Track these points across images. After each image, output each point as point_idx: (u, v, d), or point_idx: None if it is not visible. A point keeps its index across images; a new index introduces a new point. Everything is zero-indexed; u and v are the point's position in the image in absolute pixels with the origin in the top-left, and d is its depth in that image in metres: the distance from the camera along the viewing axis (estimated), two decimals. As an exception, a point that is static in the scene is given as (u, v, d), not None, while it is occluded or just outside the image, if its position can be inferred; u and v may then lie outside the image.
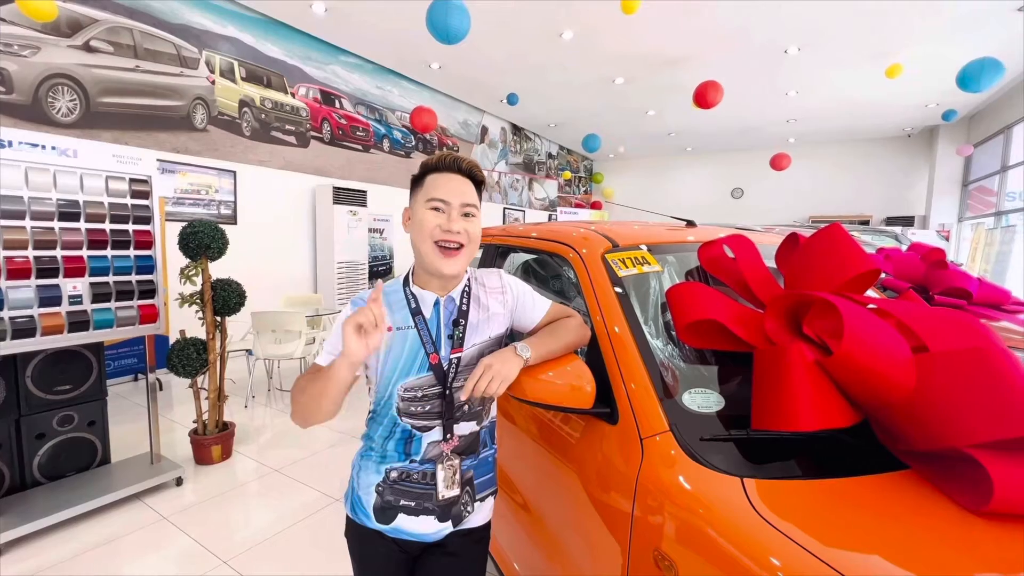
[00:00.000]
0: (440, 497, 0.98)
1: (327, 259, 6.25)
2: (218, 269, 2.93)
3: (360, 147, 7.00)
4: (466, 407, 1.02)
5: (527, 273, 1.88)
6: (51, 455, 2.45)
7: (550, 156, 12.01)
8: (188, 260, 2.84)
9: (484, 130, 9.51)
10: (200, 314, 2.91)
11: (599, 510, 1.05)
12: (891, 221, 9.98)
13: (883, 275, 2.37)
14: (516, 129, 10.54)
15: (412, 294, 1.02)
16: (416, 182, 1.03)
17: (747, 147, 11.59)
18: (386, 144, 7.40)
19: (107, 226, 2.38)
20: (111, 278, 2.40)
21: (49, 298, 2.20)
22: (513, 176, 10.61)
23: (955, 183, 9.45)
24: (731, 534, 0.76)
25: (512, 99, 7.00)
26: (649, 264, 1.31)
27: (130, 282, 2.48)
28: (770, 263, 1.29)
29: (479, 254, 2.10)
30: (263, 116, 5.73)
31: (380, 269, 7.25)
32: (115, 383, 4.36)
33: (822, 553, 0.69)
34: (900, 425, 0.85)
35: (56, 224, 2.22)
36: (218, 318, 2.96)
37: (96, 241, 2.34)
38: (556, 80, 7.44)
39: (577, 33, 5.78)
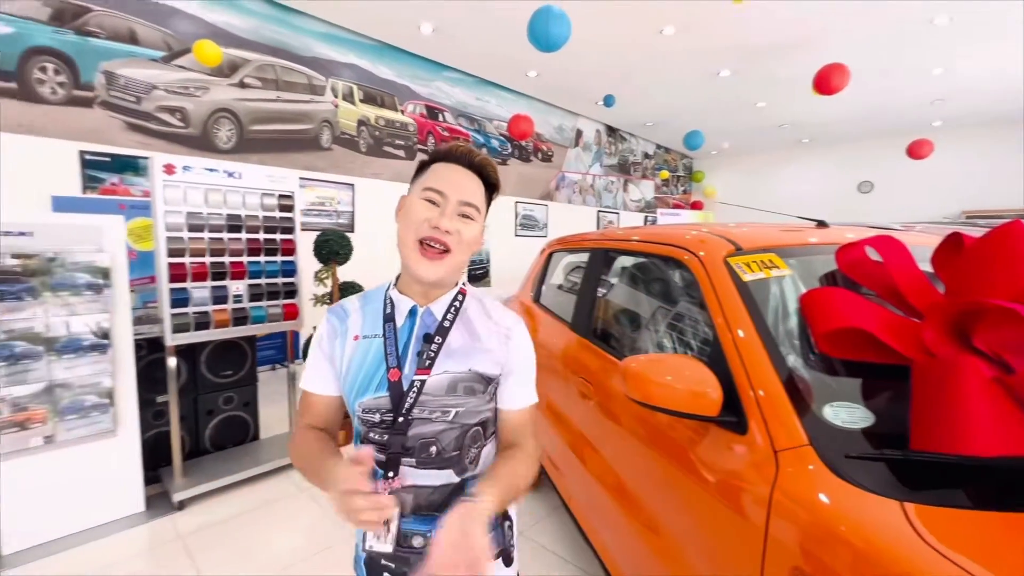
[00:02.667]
0: (367, 548, 0.80)
1: (430, 263, 6.66)
2: (339, 272, 3.28)
3: (460, 157, 7.37)
4: (432, 449, 0.82)
5: (634, 279, 1.86)
6: (217, 429, 2.92)
7: (646, 156, 11.63)
8: (320, 265, 3.21)
9: (579, 133, 9.49)
10: (329, 313, 3.27)
11: (726, 523, 1.02)
12: (1078, 214, 8.17)
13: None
14: (611, 130, 10.37)
15: (390, 298, 0.88)
16: (420, 170, 0.88)
17: (878, 134, 10.23)
18: (484, 153, 7.70)
19: (261, 236, 2.79)
20: (263, 280, 2.80)
21: (219, 297, 2.63)
22: (607, 178, 10.44)
23: None
24: (894, 562, 0.70)
25: (609, 101, 6.91)
26: (778, 268, 1.23)
27: (277, 284, 2.87)
28: (924, 267, 1.15)
29: (562, 260, 2.12)
30: (376, 133, 6.28)
31: (477, 272, 7.56)
32: (258, 371, 5.05)
33: (1011, 594, 0.61)
34: (1115, 458, 0.72)
35: (225, 235, 2.64)
36: (343, 316, 3.31)
37: (253, 248, 2.75)
38: (655, 78, 7.21)
39: (680, 28, 5.55)
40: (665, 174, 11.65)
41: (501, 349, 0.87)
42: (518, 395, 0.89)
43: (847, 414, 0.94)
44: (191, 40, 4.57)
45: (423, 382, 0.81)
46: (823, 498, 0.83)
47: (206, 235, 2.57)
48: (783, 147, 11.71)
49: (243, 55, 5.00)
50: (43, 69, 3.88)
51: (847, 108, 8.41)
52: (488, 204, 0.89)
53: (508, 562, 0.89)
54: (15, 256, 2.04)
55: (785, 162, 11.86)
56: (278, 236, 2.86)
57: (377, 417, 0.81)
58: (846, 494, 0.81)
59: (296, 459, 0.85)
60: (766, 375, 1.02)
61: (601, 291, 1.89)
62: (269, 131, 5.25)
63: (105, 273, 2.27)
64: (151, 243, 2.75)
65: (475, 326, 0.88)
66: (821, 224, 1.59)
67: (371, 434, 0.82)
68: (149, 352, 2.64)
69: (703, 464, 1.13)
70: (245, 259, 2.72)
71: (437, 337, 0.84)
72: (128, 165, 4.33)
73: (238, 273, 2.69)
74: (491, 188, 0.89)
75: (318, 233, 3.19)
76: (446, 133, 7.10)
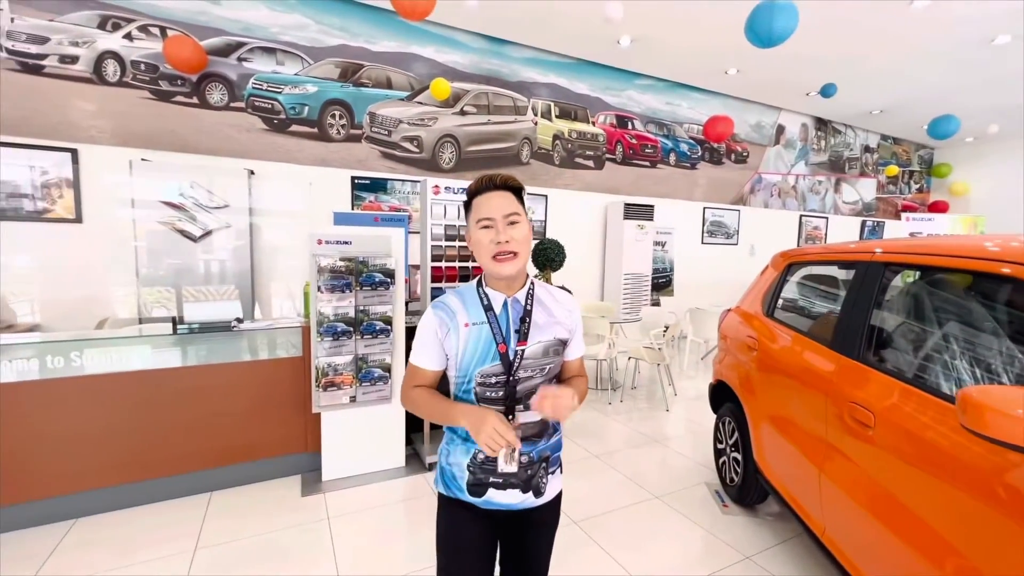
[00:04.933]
0: (500, 471, 1.11)
1: (615, 270, 6.72)
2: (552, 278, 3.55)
3: (648, 163, 7.28)
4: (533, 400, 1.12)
5: (930, 297, 1.62)
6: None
7: (867, 150, 9.83)
8: (537, 270, 3.54)
9: (780, 129, 8.53)
10: (542, 314, 3.58)
11: None
12: None
13: None
14: (821, 123, 9.06)
15: (485, 293, 1.15)
16: (467, 207, 1.15)
17: None
18: (672, 158, 7.47)
19: (496, 244, 3.20)
20: (495, 283, 3.21)
21: (463, 296, 3.10)
22: (814, 178, 9.14)
23: None
24: None
25: (828, 90, 6.06)
26: None
27: (505, 286, 3.26)
28: None
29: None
30: (569, 146, 6.61)
31: (660, 281, 7.36)
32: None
33: None
34: None
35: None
36: (553, 319, 3.59)
37: (489, 255, 3.18)
38: (894, 58, 6.08)
39: (937, -6, 4.59)
40: (893, 170, 9.70)
41: (568, 320, 1.20)
42: (579, 347, 1.25)
43: None
44: (427, 79, 5.48)
45: (523, 351, 1.13)
46: None
47: (457, 244, 3.06)
48: (1090, 126, 8.69)
49: (464, 87, 5.78)
50: (333, 116, 5.08)
51: None
52: (522, 201, 1.14)
53: (538, 494, 1.17)
54: (342, 259, 2.74)
55: (1092, 146, 8.78)
56: (508, 244, 3.25)
57: (493, 380, 1.12)
58: None
59: (416, 405, 1.16)
60: None
61: (882, 309, 1.70)
62: (481, 151, 5.96)
63: (391, 274, 2.88)
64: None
65: (548, 306, 1.19)
66: None
67: (488, 393, 1.13)
68: (408, 338, 3.24)
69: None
70: (483, 264, 3.16)
71: (526, 318, 1.14)
72: (380, 186, 5.38)
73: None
74: (518, 191, 1.14)
75: (536, 241, 3.52)
76: (634, 140, 7.10)
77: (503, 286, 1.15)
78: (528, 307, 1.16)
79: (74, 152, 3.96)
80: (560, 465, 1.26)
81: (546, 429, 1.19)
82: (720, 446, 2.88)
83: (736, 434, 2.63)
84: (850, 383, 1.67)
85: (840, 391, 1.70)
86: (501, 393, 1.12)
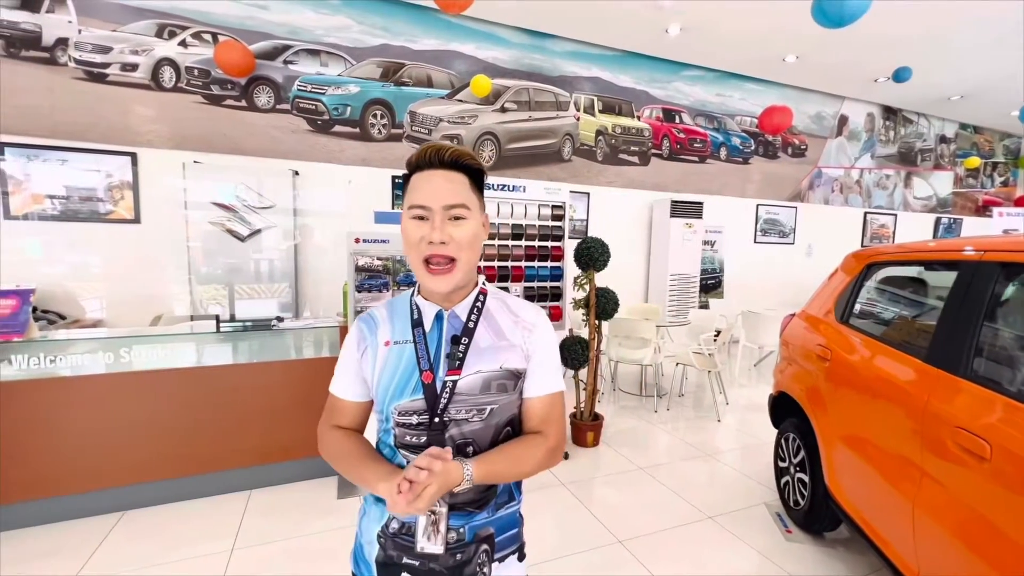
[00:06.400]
0: (419, 549, 0.80)
1: (660, 271, 6.43)
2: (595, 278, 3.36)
3: (696, 159, 6.93)
4: (470, 449, 0.84)
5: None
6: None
7: (943, 140, 8.99)
8: (580, 271, 3.37)
9: (843, 120, 7.92)
10: (585, 317, 3.41)
11: None
12: None
13: None
14: (889, 112, 8.35)
15: (416, 305, 0.89)
16: (404, 185, 0.86)
17: None
18: (723, 152, 7.08)
19: (537, 243, 3.07)
20: (536, 284, 3.08)
21: (502, 297, 2.99)
22: (881, 172, 8.44)
23: None
24: None
25: (902, 75, 5.54)
26: None
27: (545, 287, 3.11)
28: None
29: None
30: (613, 141, 6.38)
31: (709, 283, 6.99)
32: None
33: None
34: None
35: (510, 242, 2.99)
36: (595, 321, 3.40)
37: (530, 255, 3.05)
38: (976, 36, 5.48)
39: (1038, -40, 4.07)
40: (974, 161, 8.82)
41: (525, 342, 0.88)
42: (542, 381, 0.89)
43: None
44: (468, 77, 5.40)
45: (455, 382, 0.83)
46: None
47: (496, 242, 2.95)
48: None
49: (505, 83, 5.67)
50: (375, 115, 5.10)
51: None
52: (479, 189, 0.87)
53: None
54: (379, 258, 2.68)
55: None
56: (549, 243, 3.11)
57: (414, 419, 0.84)
58: None
59: (332, 456, 0.88)
60: None
61: (996, 318, 1.44)
62: (521, 148, 5.83)
63: (429, 273, 2.80)
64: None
65: (499, 324, 0.89)
66: None
67: (408, 437, 0.84)
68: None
69: None
70: (523, 264, 3.03)
71: (464, 338, 0.86)
72: (420, 185, 5.35)
73: (517, 276, 3.01)
74: (476, 173, 0.86)
75: (579, 240, 3.35)
76: (682, 135, 6.78)
77: (439, 296, 0.87)
78: (470, 324, 0.87)
79: (133, 155, 4.14)
80: (521, 549, 0.92)
81: (490, 496, 0.86)
82: (782, 464, 2.62)
83: (802, 452, 2.38)
84: (954, 404, 1.42)
85: (939, 413, 1.45)
86: (424, 439, 0.83)
